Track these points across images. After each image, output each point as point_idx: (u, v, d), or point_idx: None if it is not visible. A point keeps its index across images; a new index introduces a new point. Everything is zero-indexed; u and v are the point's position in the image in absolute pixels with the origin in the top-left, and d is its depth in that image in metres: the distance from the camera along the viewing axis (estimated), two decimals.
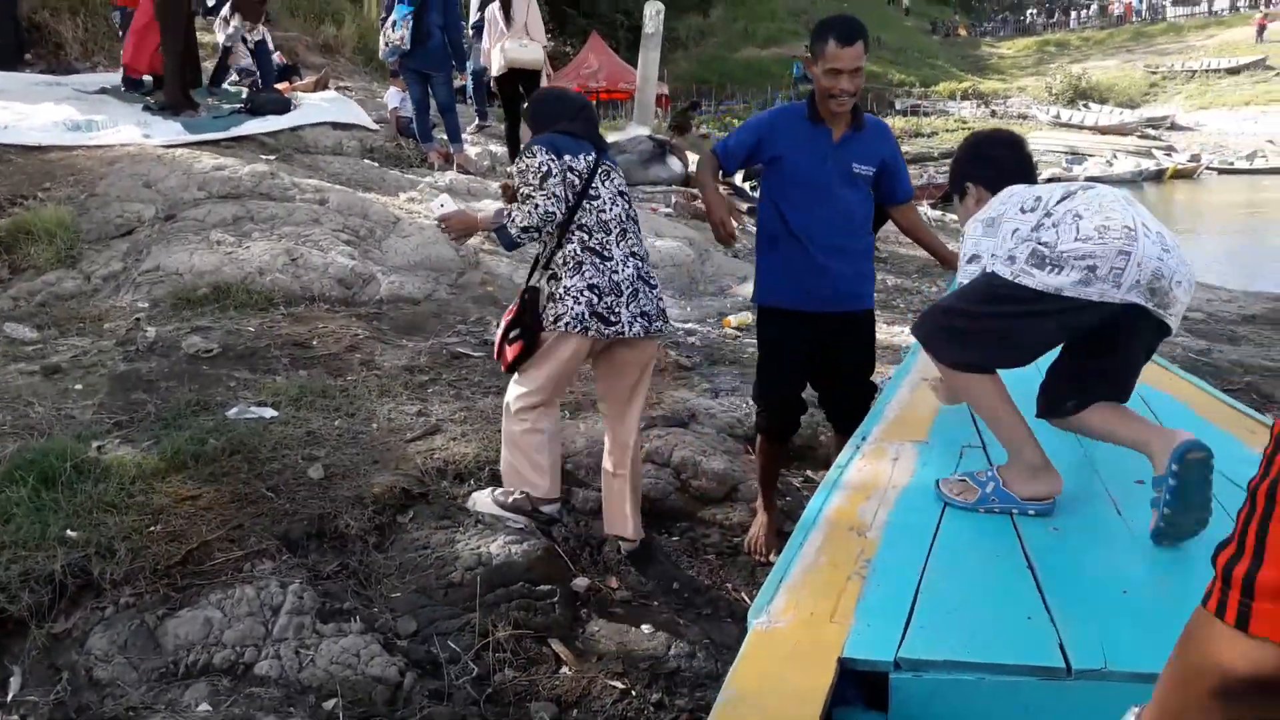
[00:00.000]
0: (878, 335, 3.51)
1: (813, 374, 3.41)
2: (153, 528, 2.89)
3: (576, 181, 3.08)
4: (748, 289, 6.72)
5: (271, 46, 10.97)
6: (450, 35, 8.26)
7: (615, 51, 28.36)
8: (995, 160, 2.56)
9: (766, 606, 1.84)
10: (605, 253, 3.09)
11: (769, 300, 3.35)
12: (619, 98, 25.16)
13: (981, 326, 2.16)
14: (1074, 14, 62.67)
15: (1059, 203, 2.15)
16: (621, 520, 3.29)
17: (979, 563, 1.98)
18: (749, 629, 1.82)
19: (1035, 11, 67.39)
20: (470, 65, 10.04)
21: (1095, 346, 2.19)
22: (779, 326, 3.33)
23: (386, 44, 8.10)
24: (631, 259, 3.15)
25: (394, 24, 7.91)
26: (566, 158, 3.07)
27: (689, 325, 5.67)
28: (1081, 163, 29.36)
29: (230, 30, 9.67)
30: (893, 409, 2.86)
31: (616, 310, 3.07)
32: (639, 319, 3.12)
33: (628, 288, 3.10)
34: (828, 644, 1.70)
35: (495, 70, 8.40)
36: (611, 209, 3.14)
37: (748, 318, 5.83)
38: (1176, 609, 1.76)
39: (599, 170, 3.15)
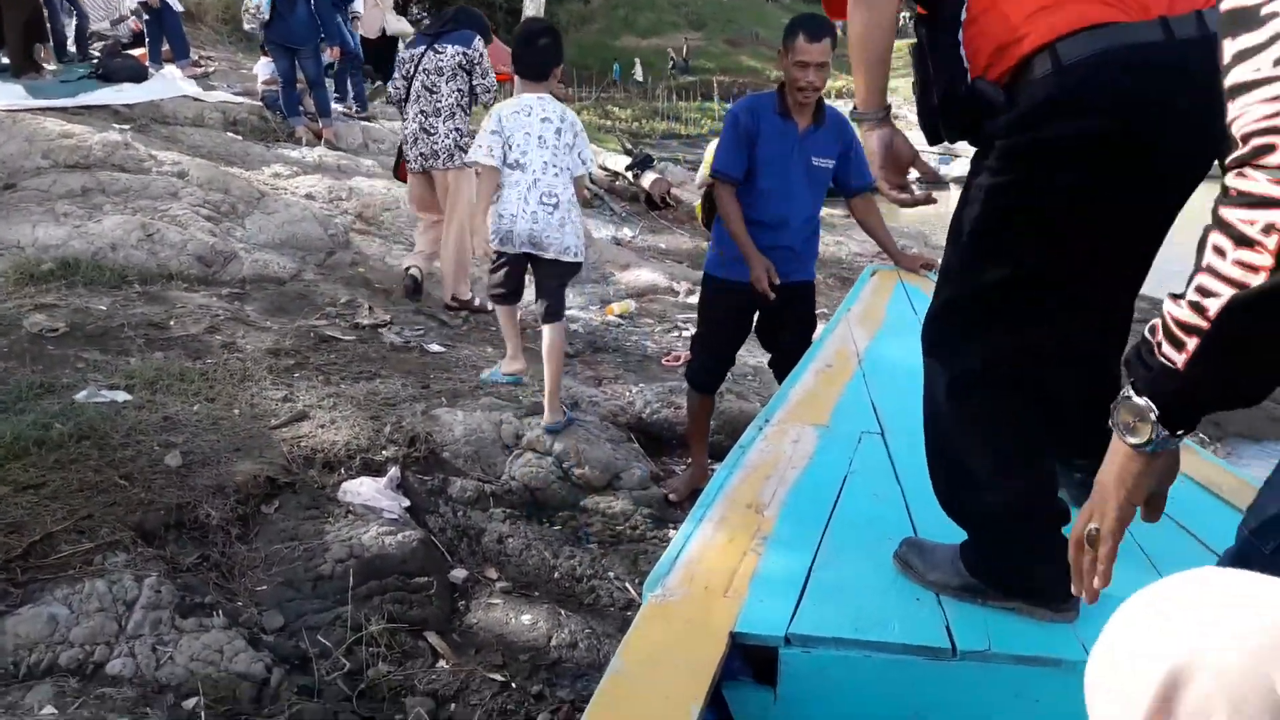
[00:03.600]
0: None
1: (760, 335, 3.81)
2: None
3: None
4: (631, 276, 6.72)
5: (127, 11, 10.37)
6: (319, 8, 7.97)
7: (495, 34, 27.93)
8: None
9: (663, 579, 1.83)
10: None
11: (720, 273, 3.65)
12: (501, 79, 24.77)
13: None
14: None
15: None
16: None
17: (872, 544, 2.00)
18: (643, 602, 1.81)
19: (908, 16, 69.55)
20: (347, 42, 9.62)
21: None
22: (725, 295, 3.64)
23: (247, 12, 7.75)
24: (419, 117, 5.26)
25: None
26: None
27: (571, 312, 5.60)
28: (949, 162, 30.39)
29: None
30: (797, 392, 2.88)
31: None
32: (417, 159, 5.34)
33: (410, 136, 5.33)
34: (720, 618, 1.71)
35: (374, 33, 8.33)
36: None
37: (630, 305, 5.82)
38: None
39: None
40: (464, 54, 5.25)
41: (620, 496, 3.60)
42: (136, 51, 9.59)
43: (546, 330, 3.78)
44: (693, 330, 5.49)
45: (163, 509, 2.88)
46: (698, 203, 8.71)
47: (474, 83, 5.33)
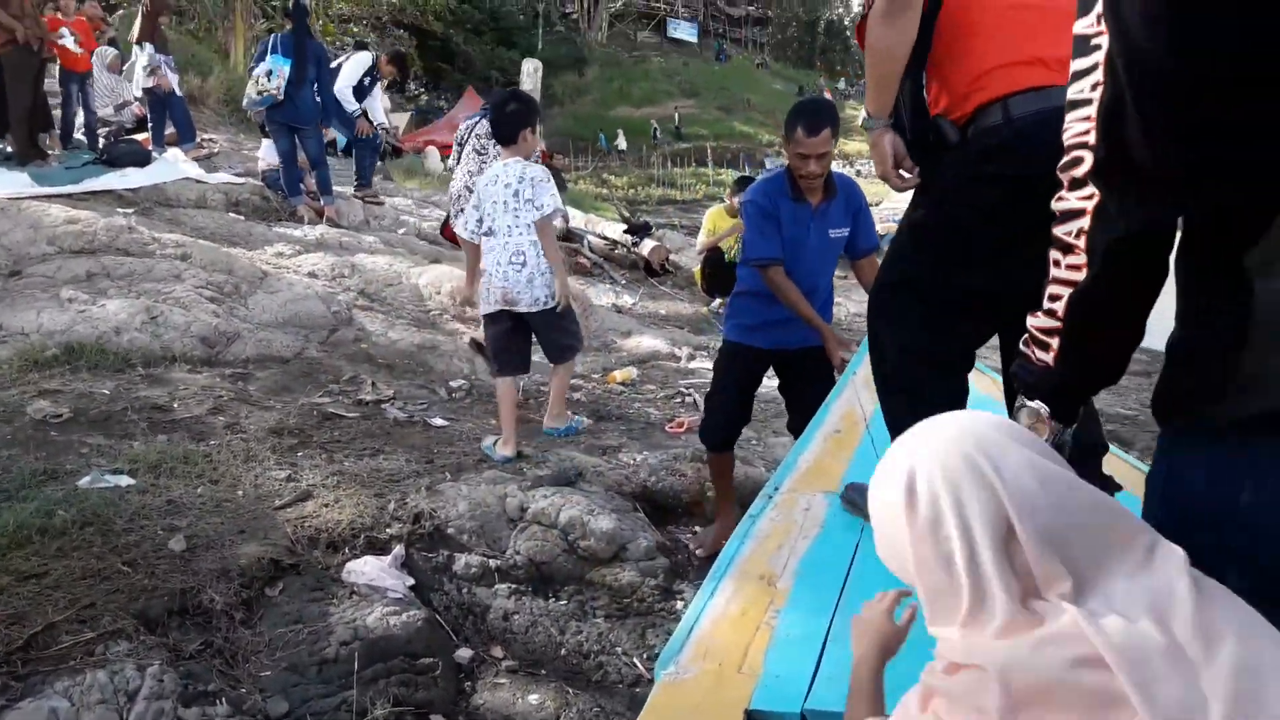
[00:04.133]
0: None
1: (786, 397, 4.05)
2: None
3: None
4: (632, 343, 6.74)
5: (131, 98, 10.57)
6: (322, 93, 8.15)
7: None
8: None
9: (675, 656, 1.81)
10: None
11: (737, 337, 3.84)
12: None
13: None
14: None
15: None
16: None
17: None
18: (656, 680, 1.78)
19: None
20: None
21: None
22: (742, 359, 3.83)
23: (259, 94, 7.88)
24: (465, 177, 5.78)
25: (269, 74, 7.73)
26: None
27: (574, 380, 5.61)
28: None
29: (145, 60, 9.31)
30: (805, 459, 2.88)
31: None
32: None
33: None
34: (735, 696, 1.69)
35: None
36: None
37: (632, 373, 5.83)
38: None
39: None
40: None
41: (627, 568, 3.56)
42: (140, 136, 9.77)
43: (555, 368, 4.48)
44: (694, 396, 5.51)
45: (166, 595, 2.85)
46: (697, 268, 8.80)
47: None
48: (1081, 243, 1.16)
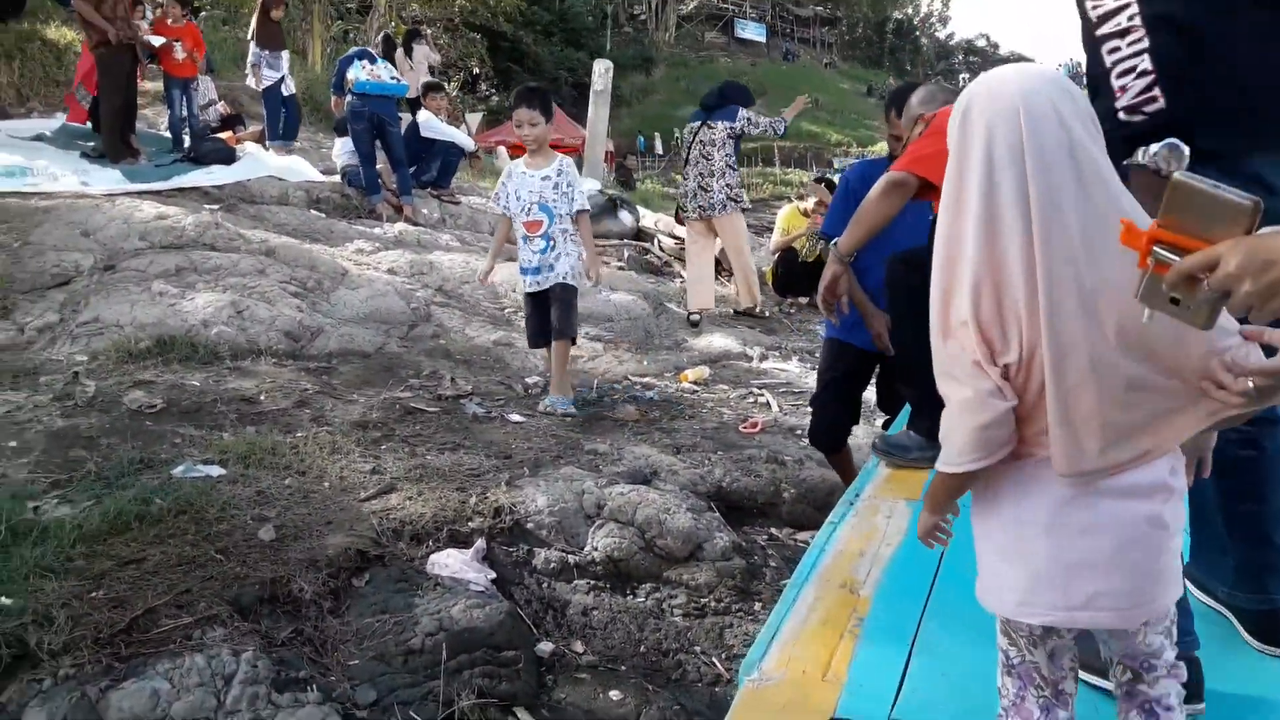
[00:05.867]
0: None
1: (879, 396, 4.09)
2: (94, 593, 2.73)
3: None
4: (703, 342, 6.73)
5: (216, 96, 10.86)
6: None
7: (560, 107, 28.64)
8: None
9: (759, 663, 1.81)
10: None
11: (839, 335, 3.81)
12: (566, 150, 25.32)
13: None
14: None
15: None
16: None
17: (973, 623, 1.95)
18: (739, 685, 1.78)
19: (967, 76, 69.82)
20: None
21: None
22: (843, 357, 3.84)
23: (391, 79, 8.49)
24: (697, 177, 7.75)
25: (385, 69, 8.46)
26: None
27: (646, 379, 5.63)
28: None
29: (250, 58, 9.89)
30: (885, 467, 2.85)
31: None
32: (696, 210, 7.85)
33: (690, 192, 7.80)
34: (820, 703, 1.68)
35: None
36: None
37: (704, 372, 5.83)
38: None
39: None
40: (730, 128, 7.56)
41: (704, 567, 3.56)
42: (224, 134, 10.03)
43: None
44: (768, 396, 5.49)
45: (257, 583, 2.92)
46: (769, 268, 8.76)
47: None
48: (1138, 23, 1.61)
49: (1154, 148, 1.41)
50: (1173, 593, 1.34)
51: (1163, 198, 1.07)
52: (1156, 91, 1.65)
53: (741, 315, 8.02)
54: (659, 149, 38.27)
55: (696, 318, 7.53)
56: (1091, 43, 1.76)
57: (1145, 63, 1.65)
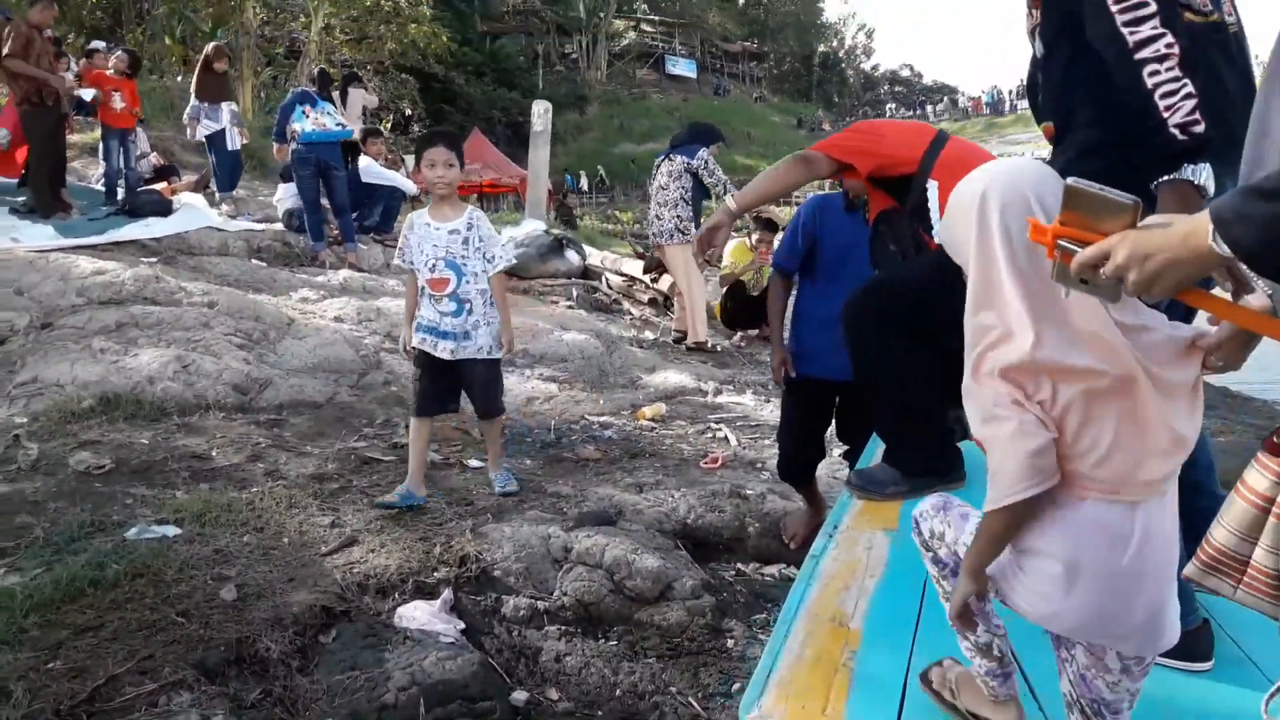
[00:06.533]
0: None
1: (839, 428, 3.99)
2: (52, 664, 2.63)
3: None
4: (658, 379, 6.75)
5: (148, 148, 10.70)
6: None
7: (495, 146, 28.72)
8: None
9: (757, 701, 1.81)
10: None
11: (802, 369, 3.77)
12: (503, 190, 25.38)
13: None
14: (930, 107, 66.75)
15: None
16: None
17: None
18: None
19: (894, 105, 71.55)
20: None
21: None
22: (802, 390, 3.82)
23: (337, 125, 8.55)
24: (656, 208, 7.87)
25: (327, 114, 8.48)
26: None
27: (603, 418, 5.62)
28: None
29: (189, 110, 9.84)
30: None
31: None
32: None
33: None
34: None
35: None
36: None
37: (661, 409, 5.84)
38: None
39: None
40: (687, 163, 7.86)
41: (674, 607, 3.54)
42: (158, 186, 9.87)
43: None
44: (725, 431, 5.52)
45: (222, 644, 2.85)
46: (716, 302, 8.82)
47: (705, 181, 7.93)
48: (1176, 51, 1.81)
49: (1203, 168, 1.81)
50: (1176, 634, 1.46)
51: (1062, 200, 1.29)
52: (1198, 115, 1.82)
53: (693, 350, 8.08)
54: (584, 185, 38.62)
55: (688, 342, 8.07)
56: (1129, 65, 1.89)
57: (1189, 87, 1.82)
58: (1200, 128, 1.81)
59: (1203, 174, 1.81)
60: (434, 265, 3.95)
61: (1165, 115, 1.83)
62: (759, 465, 4.89)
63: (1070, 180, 1.27)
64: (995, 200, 1.42)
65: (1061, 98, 2.11)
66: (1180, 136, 1.82)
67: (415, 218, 4.09)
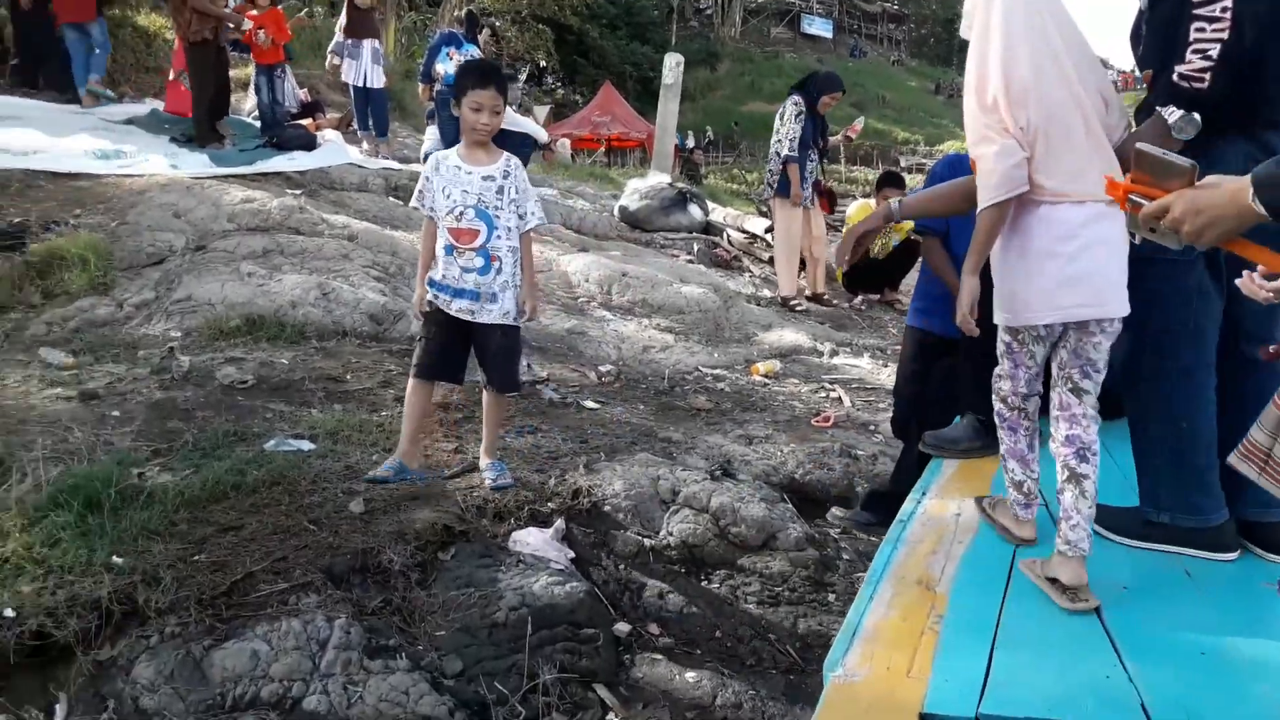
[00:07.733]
0: None
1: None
2: (197, 557, 2.86)
3: None
4: (774, 336, 6.74)
5: (295, 84, 11.10)
6: None
7: (625, 100, 28.77)
8: None
9: (842, 659, 1.84)
10: None
11: (915, 322, 3.85)
12: (629, 145, 25.46)
13: None
14: None
15: None
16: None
17: (1052, 617, 1.97)
18: (825, 681, 1.81)
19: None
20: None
21: None
22: (923, 346, 3.83)
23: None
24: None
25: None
26: None
27: (717, 371, 5.67)
28: None
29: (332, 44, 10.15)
30: (951, 464, 2.86)
31: None
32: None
33: None
34: (908, 698, 1.70)
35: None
36: None
37: (775, 365, 5.85)
38: (1255, 669, 1.76)
39: None
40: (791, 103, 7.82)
41: (777, 557, 3.59)
42: (305, 121, 10.26)
43: None
44: (839, 391, 5.49)
45: (349, 553, 3.03)
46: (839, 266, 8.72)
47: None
48: (1228, 15, 1.99)
49: (1179, 112, 2.07)
50: (1123, 307, 2.07)
51: (1131, 160, 1.56)
52: (1206, 77, 2.06)
53: (783, 307, 8.04)
54: (690, 143, 38.14)
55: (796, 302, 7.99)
56: (1182, 8, 2.10)
57: (1215, 51, 2.04)
58: (1202, 84, 2.06)
59: (1174, 116, 2.08)
60: (461, 213, 3.48)
61: (1178, 65, 2.09)
62: (872, 427, 4.87)
63: (1140, 145, 1.54)
64: None
65: (1155, 45, 2.26)
66: (1179, 83, 2.09)
67: (441, 158, 3.63)
